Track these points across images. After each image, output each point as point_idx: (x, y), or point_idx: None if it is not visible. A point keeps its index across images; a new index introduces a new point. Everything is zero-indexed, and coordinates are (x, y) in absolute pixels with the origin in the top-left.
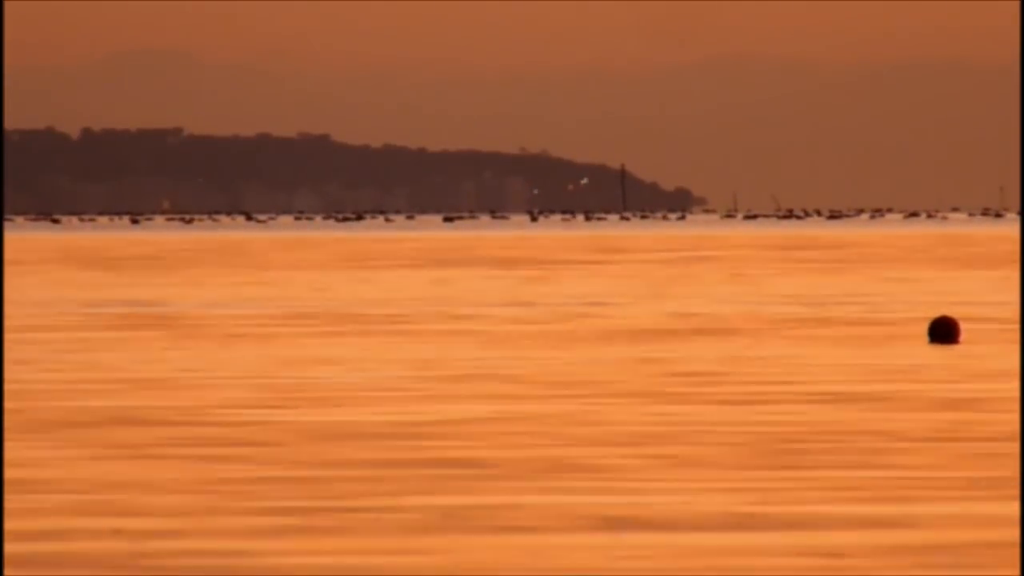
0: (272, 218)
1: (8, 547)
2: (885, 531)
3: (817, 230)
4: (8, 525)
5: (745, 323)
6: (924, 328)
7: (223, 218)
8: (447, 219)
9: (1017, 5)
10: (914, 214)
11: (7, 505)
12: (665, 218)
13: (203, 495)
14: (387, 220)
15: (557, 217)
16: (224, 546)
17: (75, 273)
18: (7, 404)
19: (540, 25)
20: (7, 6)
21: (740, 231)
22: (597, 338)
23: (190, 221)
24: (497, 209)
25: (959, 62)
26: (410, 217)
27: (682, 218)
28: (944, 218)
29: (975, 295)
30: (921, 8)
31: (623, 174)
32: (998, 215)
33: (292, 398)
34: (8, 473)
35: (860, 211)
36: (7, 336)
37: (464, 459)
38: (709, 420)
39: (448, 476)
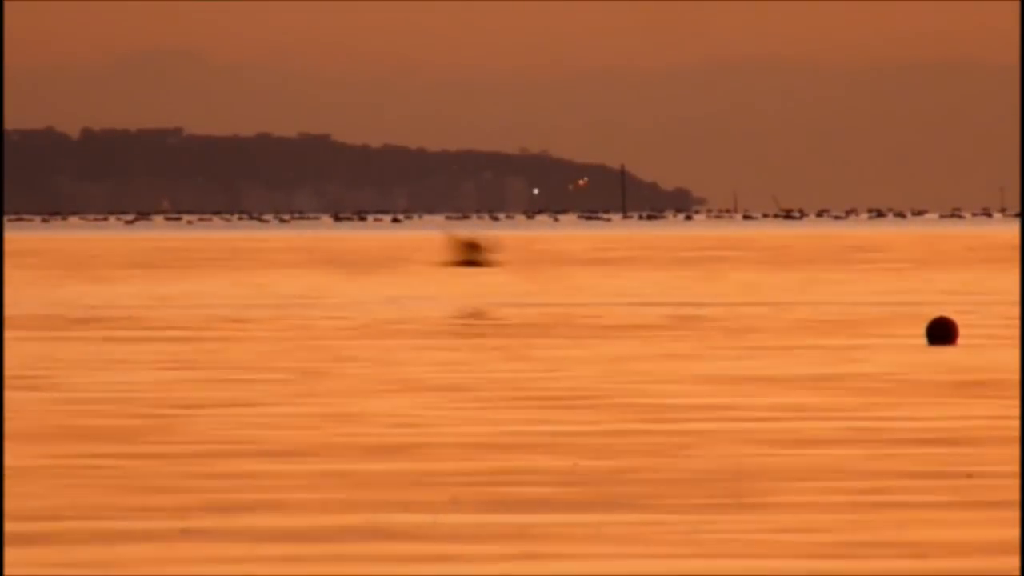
0: (281, 218)
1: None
2: None
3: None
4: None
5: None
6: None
7: (231, 217)
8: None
9: (1017, 5)
10: (918, 213)
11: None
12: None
13: None
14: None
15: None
16: None
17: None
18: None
19: (540, 26)
20: (7, 6)
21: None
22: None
23: (190, 221)
24: (497, 209)
25: (959, 62)
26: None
27: (688, 218)
28: (961, 216)
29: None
30: (922, 8)
31: (623, 174)
32: (987, 215)
33: None
34: None
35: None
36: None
37: None
38: None
39: None
